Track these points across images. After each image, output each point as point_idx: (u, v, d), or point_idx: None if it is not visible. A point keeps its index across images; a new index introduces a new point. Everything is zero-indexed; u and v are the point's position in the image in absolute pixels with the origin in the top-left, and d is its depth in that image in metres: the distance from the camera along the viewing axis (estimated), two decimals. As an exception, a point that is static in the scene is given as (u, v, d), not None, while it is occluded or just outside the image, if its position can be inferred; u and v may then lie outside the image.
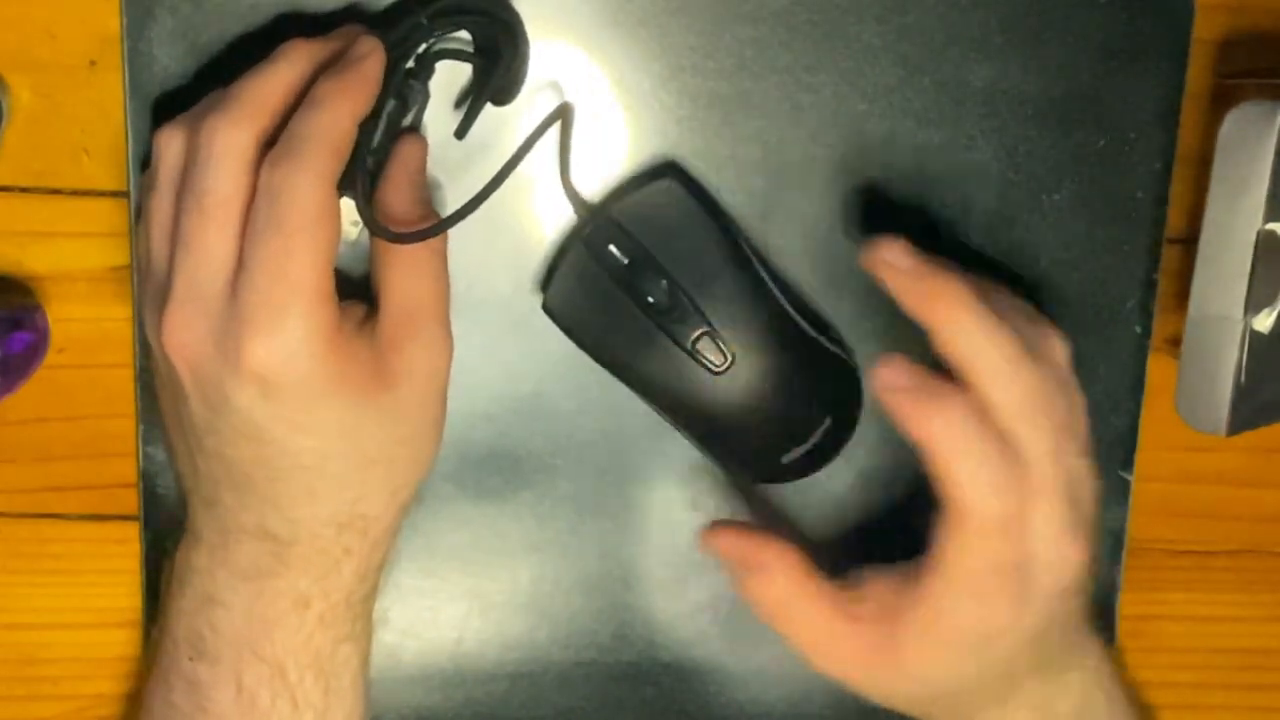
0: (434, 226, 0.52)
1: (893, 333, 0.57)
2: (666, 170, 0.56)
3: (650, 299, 0.54)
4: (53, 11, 0.55)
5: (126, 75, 0.54)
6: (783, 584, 0.53)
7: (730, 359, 0.54)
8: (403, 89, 0.53)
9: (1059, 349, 0.52)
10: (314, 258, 0.48)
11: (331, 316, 0.49)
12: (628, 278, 0.54)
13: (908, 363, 0.50)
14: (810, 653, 0.53)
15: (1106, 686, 0.56)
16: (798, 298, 0.57)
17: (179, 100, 0.54)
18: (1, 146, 0.55)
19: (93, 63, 0.55)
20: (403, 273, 0.52)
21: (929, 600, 0.51)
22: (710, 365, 0.54)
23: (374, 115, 0.51)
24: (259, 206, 0.48)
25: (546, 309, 0.55)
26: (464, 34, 0.54)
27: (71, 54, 0.55)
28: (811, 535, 0.59)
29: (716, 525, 0.55)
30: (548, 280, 0.56)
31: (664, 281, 0.54)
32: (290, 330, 0.48)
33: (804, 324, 0.55)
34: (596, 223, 0.55)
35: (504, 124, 0.55)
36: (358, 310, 0.52)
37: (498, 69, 0.54)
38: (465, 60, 0.54)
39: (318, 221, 0.48)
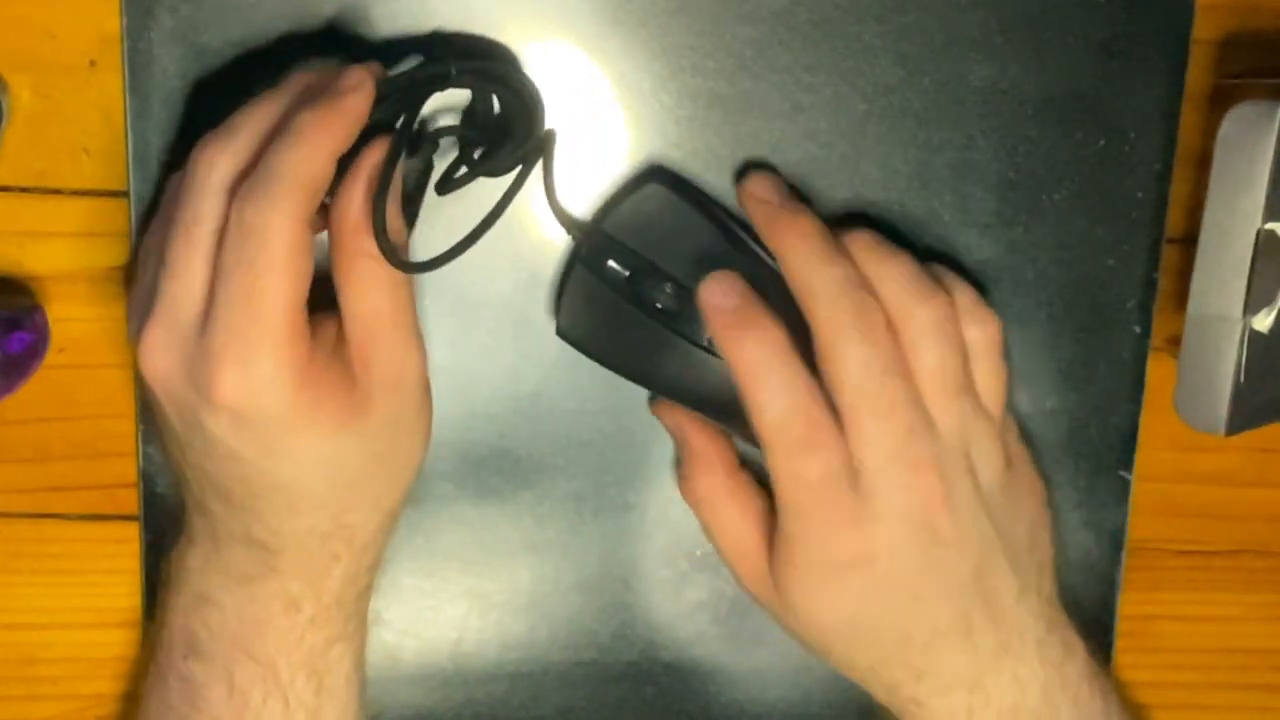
0: (436, 259, 0.51)
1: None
2: (650, 175, 0.56)
3: (658, 305, 0.54)
4: (53, 11, 0.55)
5: (126, 75, 0.54)
6: (712, 475, 0.55)
7: None
8: (408, 152, 0.52)
9: (933, 309, 0.52)
10: (283, 296, 0.48)
11: (302, 351, 0.48)
12: (632, 289, 0.54)
13: (733, 282, 0.52)
14: (722, 551, 0.56)
15: (1075, 689, 0.55)
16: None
17: (179, 100, 0.54)
18: (1, 146, 0.55)
19: (93, 63, 0.55)
20: (357, 289, 0.50)
21: (778, 524, 0.53)
22: None
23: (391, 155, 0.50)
24: (230, 242, 0.48)
25: (561, 335, 0.55)
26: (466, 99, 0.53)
27: (71, 54, 0.55)
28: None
29: (665, 403, 0.57)
30: (557, 307, 0.56)
31: (668, 285, 0.54)
32: (259, 367, 0.48)
33: None
34: (591, 241, 0.55)
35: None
36: (330, 327, 0.51)
37: (503, 149, 0.53)
38: (466, 136, 0.53)
39: (287, 260, 0.47)
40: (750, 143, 0.56)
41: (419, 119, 0.52)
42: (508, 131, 0.53)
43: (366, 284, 0.50)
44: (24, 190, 0.56)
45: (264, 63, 0.54)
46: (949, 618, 0.53)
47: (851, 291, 0.51)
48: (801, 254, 0.52)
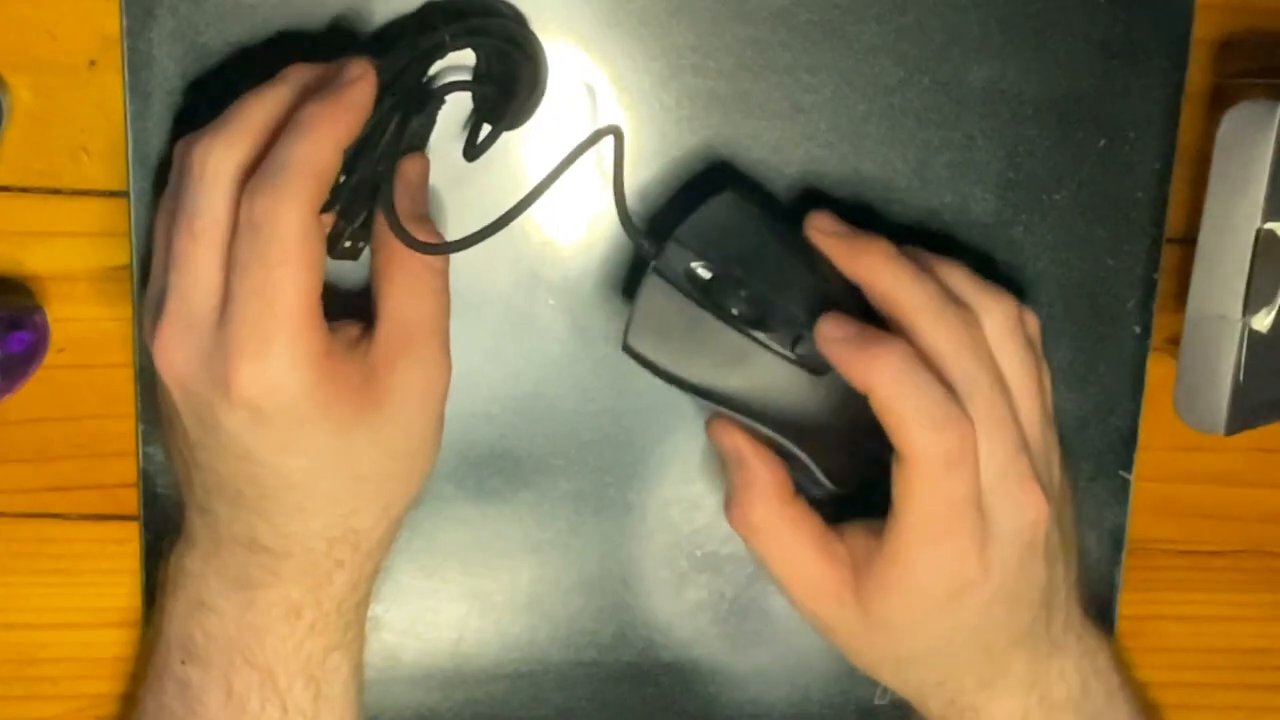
0: (455, 242, 0.51)
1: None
2: (719, 185, 0.54)
3: (736, 311, 0.52)
4: (53, 11, 0.55)
5: (126, 75, 0.54)
6: (769, 502, 0.53)
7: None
8: (412, 107, 0.52)
9: (1006, 311, 0.52)
10: (299, 287, 0.48)
11: (319, 342, 0.49)
12: (710, 296, 0.52)
13: (845, 317, 0.51)
14: (784, 580, 0.53)
15: (1107, 679, 0.55)
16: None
17: (179, 100, 0.54)
18: (1, 146, 0.55)
19: (93, 63, 0.55)
20: (402, 289, 0.52)
21: (890, 547, 0.51)
22: (816, 366, 0.52)
23: (379, 132, 0.50)
24: (242, 237, 0.48)
25: (629, 351, 0.53)
26: (473, 57, 0.54)
27: (71, 54, 0.55)
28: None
29: (724, 421, 0.54)
30: (628, 322, 0.53)
31: (745, 291, 0.52)
32: (277, 359, 0.48)
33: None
34: (664, 250, 0.52)
35: (506, 137, 0.55)
36: (351, 329, 0.52)
37: (516, 98, 0.54)
38: (479, 90, 0.53)
39: (300, 252, 0.48)
40: (750, 143, 0.56)
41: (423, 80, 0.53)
42: (515, 81, 0.54)
43: (411, 286, 0.51)
44: (24, 190, 0.56)
45: (264, 63, 0.54)
46: (1026, 625, 0.53)
47: (953, 307, 0.51)
48: (892, 275, 0.51)
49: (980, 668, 0.53)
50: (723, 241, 0.52)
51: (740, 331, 0.52)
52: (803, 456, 0.52)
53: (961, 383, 0.50)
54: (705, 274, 0.52)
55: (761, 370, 0.52)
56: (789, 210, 0.56)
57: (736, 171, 0.56)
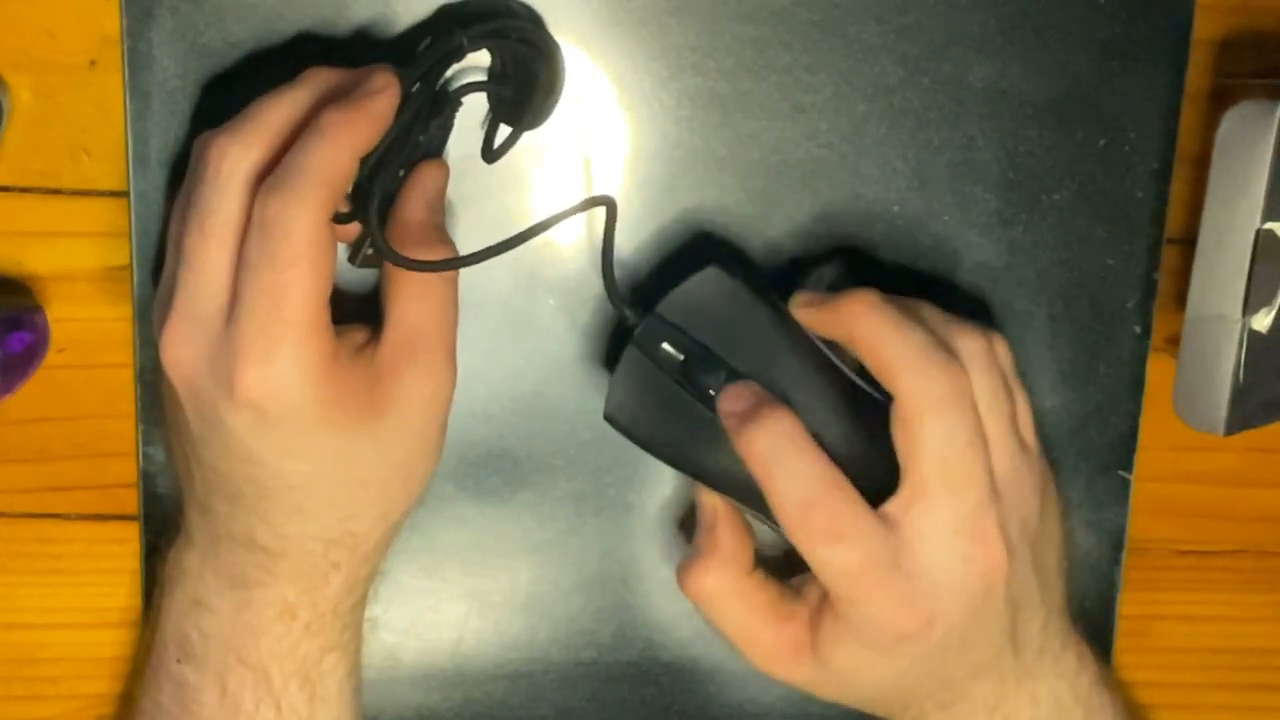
0: (451, 260, 0.51)
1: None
2: (709, 260, 0.54)
3: (711, 391, 0.52)
4: (53, 11, 0.55)
5: (126, 75, 0.54)
6: (723, 573, 0.53)
7: None
8: (430, 113, 0.52)
9: (979, 345, 0.52)
10: (307, 291, 0.48)
11: (326, 346, 0.49)
12: (685, 373, 0.52)
13: (753, 387, 0.51)
14: (738, 645, 0.54)
15: (1086, 698, 0.55)
16: (860, 366, 0.54)
17: (179, 100, 0.54)
18: (1, 146, 0.55)
19: (93, 63, 0.55)
20: (410, 296, 0.51)
21: (830, 607, 0.51)
22: None
23: (399, 139, 0.51)
24: (253, 238, 0.48)
25: (609, 419, 0.54)
26: (488, 59, 0.54)
27: (71, 54, 0.55)
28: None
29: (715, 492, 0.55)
30: (609, 391, 0.54)
31: (723, 372, 0.52)
32: (283, 362, 0.48)
33: (872, 391, 0.52)
34: (644, 323, 0.53)
35: (522, 141, 0.55)
36: (358, 334, 0.52)
37: (534, 99, 0.54)
38: (497, 91, 0.54)
39: (310, 255, 0.48)
40: (750, 143, 0.56)
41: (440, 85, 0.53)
42: (533, 82, 0.54)
43: (419, 293, 0.51)
44: (24, 190, 0.56)
45: (264, 63, 0.54)
46: (986, 658, 0.53)
47: (940, 359, 0.50)
48: (875, 326, 0.51)
49: (939, 696, 0.53)
50: (705, 317, 0.53)
51: (713, 411, 0.52)
52: (778, 532, 0.52)
53: (925, 441, 0.50)
54: (678, 355, 0.53)
55: (734, 450, 0.51)
56: (776, 241, 0.57)
57: (734, 183, 0.56)
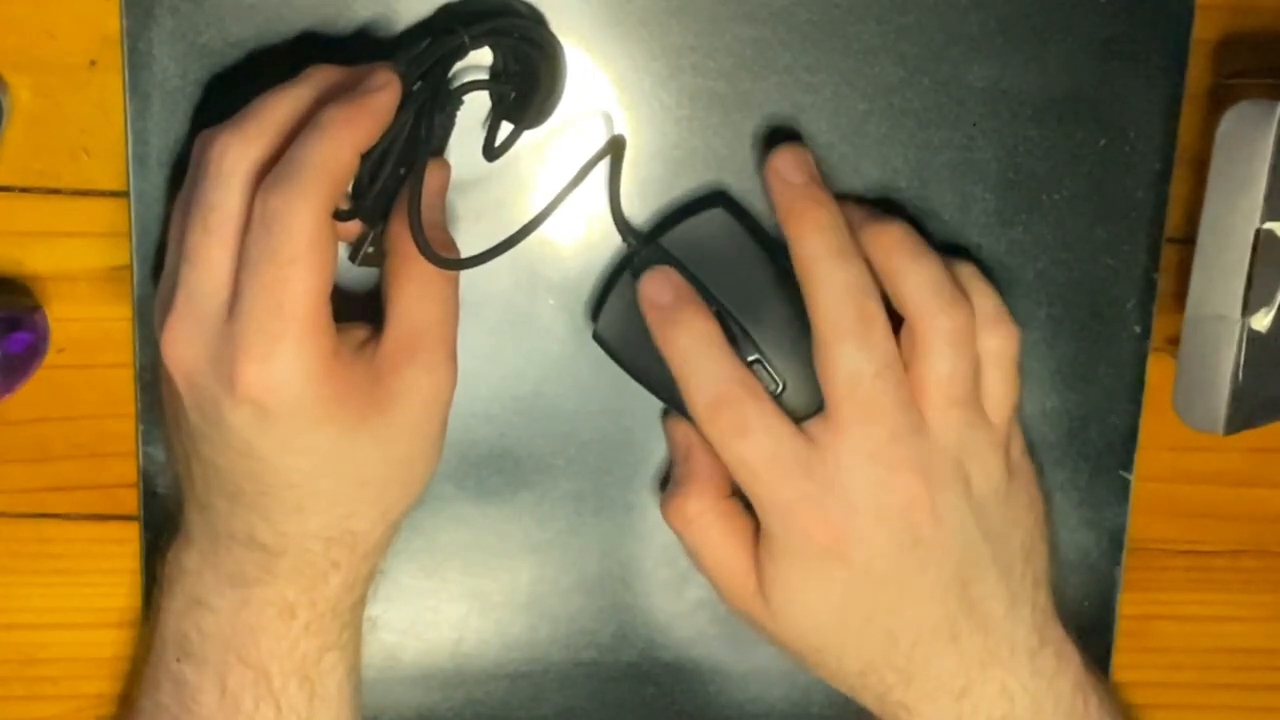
0: (473, 258, 0.52)
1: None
2: (715, 199, 0.56)
3: None
4: (53, 11, 0.55)
5: (126, 75, 0.54)
6: (704, 496, 0.55)
7: (782, 385, 0.54)
8: (433, 111, 0.52)
9: (959, 316, 0.53)
10: (308, 287, 0.48)
11: (327, 343, 0.49)
12: None
13: (675, 276, 0.54)
14: (711, 574, 0.55)
15: (1069, 704, 0.55)
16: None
17: (179, 100, 0.54)
18: (1, 146, 0.55)
19: (93, 63, 0.55)
20: (411, 294, 0.52)
21: (760, 526, 0.53)
22: (767, 390, 0.54)
23: (400, 137, 0.51)
24: (254, 233, 0.48)
25: (597, 338, 0.55)
26: (490, 57, 0.54)
27: (71, 54, 0.55)
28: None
29: (681, 419, 0.56)
30: (597, 309, 0.56)
31: (714, 309, 0.54)
32: (284, 358, 0.48)
33: None
34: (645, 251, 0.55)
35: (523, 140, 0.55)
36: (359, 332, 0.52)
37: (536, 97, 0.54)
38: (498, 89, 0.54)
39: (312, 251, 0.48)
40: (750, 143, 0.56)
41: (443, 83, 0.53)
42: (534, 80, 0.54)
43: (421, 291, 0.51)
44: (24, 190, 0.56)
45: (264, 62, 0.54)
46: (934, 620, 0.53)
47: (855, 295, 0.52)
48: (812, 248, 0.52)
49: (893, 659, 0.53)
50: (704, 256, 0.54)
51: None
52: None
53: (833, 368, 0.52)
54: None
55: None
56: (779, 235, 0.57)
57: (734, 183, 0.57)
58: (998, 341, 0.54)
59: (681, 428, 0.56)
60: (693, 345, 0.52)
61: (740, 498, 0.55)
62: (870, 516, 0.51)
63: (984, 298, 0.54)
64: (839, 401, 0.51)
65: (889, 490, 0.51)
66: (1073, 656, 0.56)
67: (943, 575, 0.52)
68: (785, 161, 0.54)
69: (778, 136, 0.56)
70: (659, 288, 0.53)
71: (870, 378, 0.51)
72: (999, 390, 0.54)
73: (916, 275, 0.53)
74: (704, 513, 0.55)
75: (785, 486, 0.52)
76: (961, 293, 0.53)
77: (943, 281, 0.53)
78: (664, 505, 0.56)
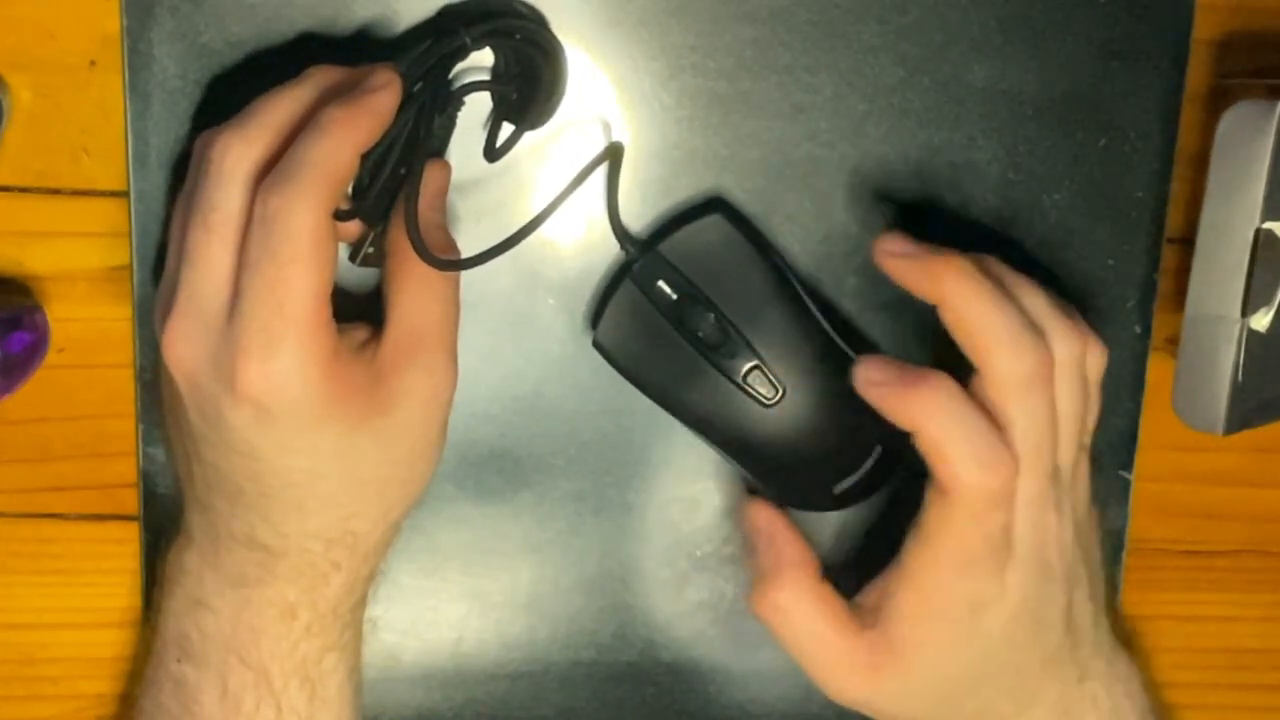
0: (472, 258, 0.52)
1: (902, 328, 0.57)
2: (714, 205, 0.56)
3: (699, 333, 0.54)
4: (53, 11, 0.55)
5: (126, 75, 0.54)
6: (798, 584, 0.53)
7: (781, 391, 0.54)
8: (433, 111, 0.52)
9: (1073, 347, 0.52)
10: (309, 287, 0.48)
11: (328, 343, 0.49)
12: (677, 313, 0.54)
13: (886, 359, 0.51)
14: (810, 663, 0.53)
15: (1138, 700, 0.56)
16: (845, 327, 0.57)
17: (179, 100, 0.54)
18: (1, 146, 0.55)
19: (93, 63, 0.55)
20: (412, 294, 0.52)
21: (916, 577, 0.51)
22: (761, 398, 0.54)
23: (401, 137, 0.51)
24: (254, 233, 0.48)
25: (597, 346, 0.55)
26: (491, 58, 0.54)
27: (71, 54, 0.55)
28: (841, 560, 0.59)
29: (760, 501, 0.55)
30: (597, 317, 0.56)
31: (713, 316, 0.54)
32: (285, 358, 0.48)
33: (852, 354, 0.54)
34: (644, 259, 0.55)
35: (523, 141, 0.55)
36: (359, 333, 0.52)
37: (537, 98, 0.54)
38: (499, 90, 0.54)
39: (311, 251, 0.48)
40: (750, 143, 0.56)
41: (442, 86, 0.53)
42: (536, 81, 0.54)
43: (422, 292, 0.51)
44: (24, 190, 0.56)
45: (264, 62, 0.54)
46: (1053, 649, 0.53)
47: (1030, 339, 0.50)
48: (970, 296, 0.50)
49: (1015, 693, 0.53)
50: (703, 263, 0.54)
51: (698, 352, 0.54)
52: (746, 476, 0.54)
53: (1017, 420, 0.50)
54: (672, 294, 0.54)
55: (714, 392, 0.54)
56: (777, 238, 0.57)
57: (734, 183, 0.57)
58: (1093, 363, 0.53)
59: (766, 514, 0.55)
60: (951, 407, 0.50)
61: (830, 579, 0.54)
62: (1027, 561, 0.51)
63: (1077, 319, 0.53)
64: (1020, 449, 0.50)
65: (1041, 531, 0.51)
66: (1131, 659, 0.56)
67: (1061, 604, 0.53)
68: (892, 243, 0.52)
69: (779, 136, 0.56)
70: (875, 366, 0.51)
71: (1044, 427, 0.51)
72: (1093, 415, 0.53)
73: (1032, 306, 0.52)
74: (798, 600, 0.53)
75: (992, 553, 0.50)
76: (1068, 311, 0.52)
77: (1054, 307, 0.52)
78: (754, 597, 0.54)
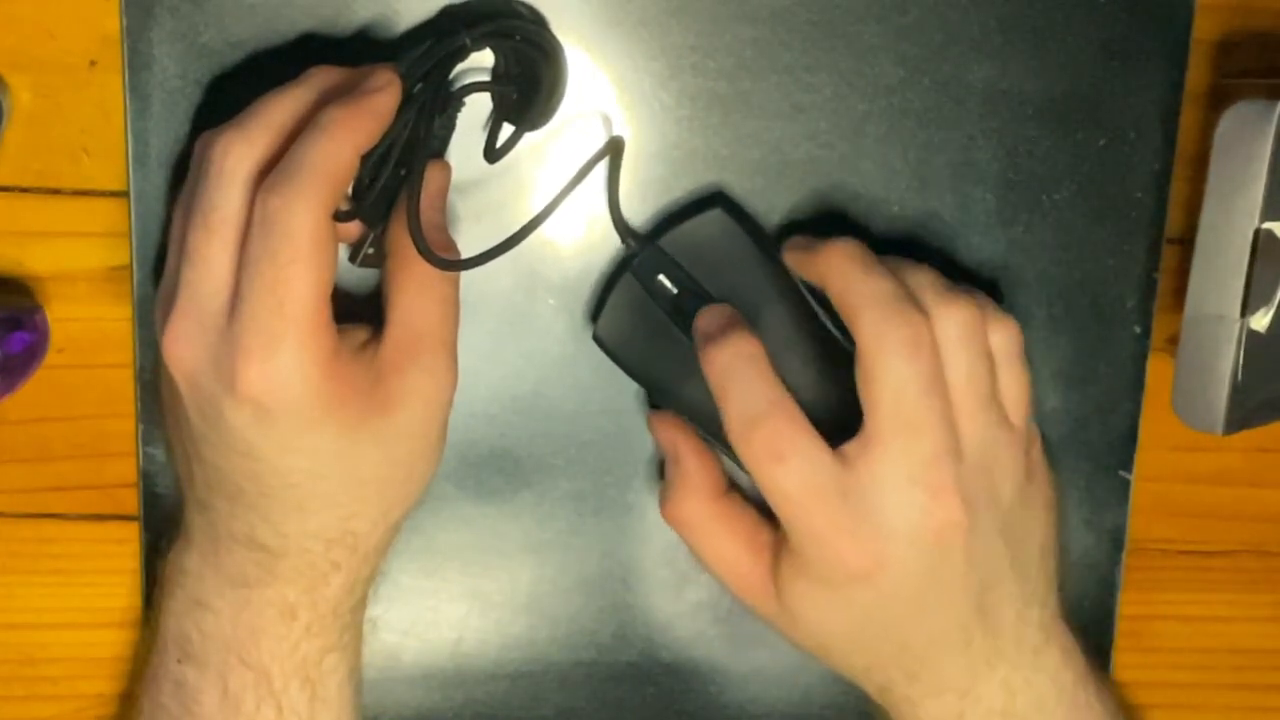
0: (473, 258, 0.52)
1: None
2: (714, 200, 0.56)
3: None
4: (53, 11, 0.55)
5: (126, 75, 0.54)
6: (699, 497, 0.55)
7: None
8: (433, 112, 0.52)
9: (962, 319, 0.51)
10: (309, 287, 0.48)
11: (328, 343, 0.49)
12: (677, 307, 0.55)
13: (728, 310, 0.53)
14: (715, 572, 0.55)
15: (1072, 696, 0.55)
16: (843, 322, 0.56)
17: (179, 100, 0.54)
18: (1, 146, 0.55)
19: (93, 63, 0.55)
20: (412, 295, 0.52)
21: (786, 539, 0.52)
22: None
23: (401, 138, 0.51)
24: (255, 234, 0.48)
25: (597, 339, 0.55)
26: (491, 59, 0.54)
27: (71, 54, 0.55)
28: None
29: (665, 414, 0.56)
30: (597, 311, 0.56)
31: None
32: (285, 358, 0.48)
33: (850, 349, 0.53)
34: (645, 253, 0.55)
35: (523, 141, 0.55)
36: (360, 333, 0.52)
37: (537, 99, 0.54)
38: (500, 91, 0.54)
39: (311, 251, 0.48)
40: (750, 143, 0.56)
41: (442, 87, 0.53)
42: (536, 82, 0.54)
43: (422, 292, 0.52)
44: (24, 190, 0.56)
45: (264, 63, 0.54)
46: (949, 629, 0.53)
47: (899, 305, 0.50)
48: (844, 270, 0.52)
49: (902, 661, 0.53)
50: (703, 258, 0.55)
51: (695, 344, 0.54)
52: (744, 470, 0.53)
53: (880, 386, 0.50)
54: (672, 288, 0.55)
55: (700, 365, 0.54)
56: (777, 233, 0.57)
57: (734, 183, 0.57)
58: (1000, 337, 0.52)
59: (667, 426, 0.56)
60: (732, 364, 0.51)
61: (738, 491, 0.55)
62: (905, 542, 0.50)
63: (977, 295, 0.53)
64: (881, 422, 0.50)
65: (928, 514, 0.50)
66: (1076, 653, 0.56)
67: (965, 590, 0.52)
68: (793, 240, 0.55)
69: (779, 136, 0.56)
70: (712, 317, 0.53)
71: (916, 395, 0.50)
72: (1014, 390, 0.53)
73: (919, 281, 0.52)
74: (700, 511, 0.55)
75: (820, 515, 0.50)
76: (959, 288, 0.52)
77: (943, 282, 0.52)
78: (662, 507, 0.56)
